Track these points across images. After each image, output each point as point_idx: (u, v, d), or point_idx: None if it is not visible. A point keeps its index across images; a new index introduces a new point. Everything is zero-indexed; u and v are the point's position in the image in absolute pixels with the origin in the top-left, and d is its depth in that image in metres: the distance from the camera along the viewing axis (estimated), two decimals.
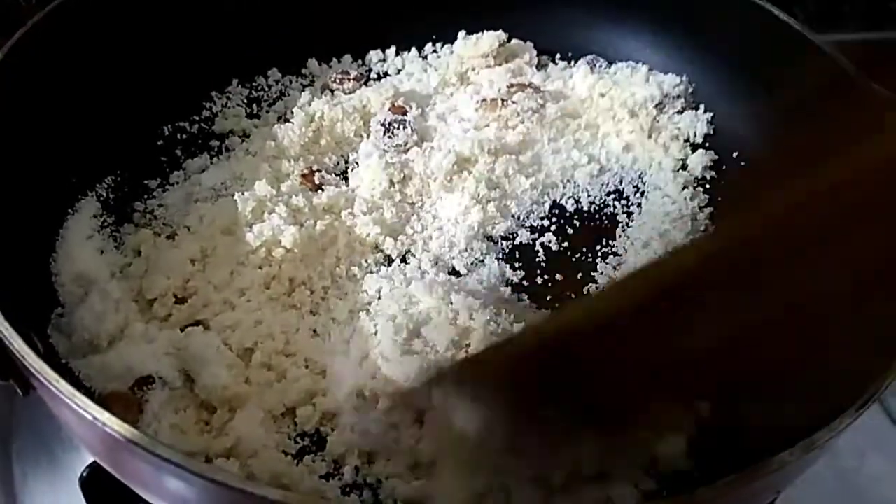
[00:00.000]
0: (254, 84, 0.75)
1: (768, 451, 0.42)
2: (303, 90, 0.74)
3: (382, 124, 0.69)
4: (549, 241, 0.64)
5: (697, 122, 0.73)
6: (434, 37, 0.80)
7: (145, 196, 0.65)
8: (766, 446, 0.49)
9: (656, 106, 0.73)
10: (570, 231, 0.65)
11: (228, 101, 0.74)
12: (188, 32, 0.72)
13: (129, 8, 0.68)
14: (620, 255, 0.63)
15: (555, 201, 0.67)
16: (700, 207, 0.67)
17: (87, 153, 0.64)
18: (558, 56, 0.80)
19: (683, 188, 0.68)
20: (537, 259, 0.63)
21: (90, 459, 0.56)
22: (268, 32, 0.76)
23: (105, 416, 0.38)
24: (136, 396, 0.49)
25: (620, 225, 0.66)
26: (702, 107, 0.75)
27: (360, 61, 0.79)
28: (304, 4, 0.77)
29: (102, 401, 0.40)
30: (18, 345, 0.41)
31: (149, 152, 0.68)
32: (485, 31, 0.77)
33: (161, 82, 0.70)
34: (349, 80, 0.75)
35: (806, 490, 0.60)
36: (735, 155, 0.71)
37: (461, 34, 0.78)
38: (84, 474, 0.51)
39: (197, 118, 0.72)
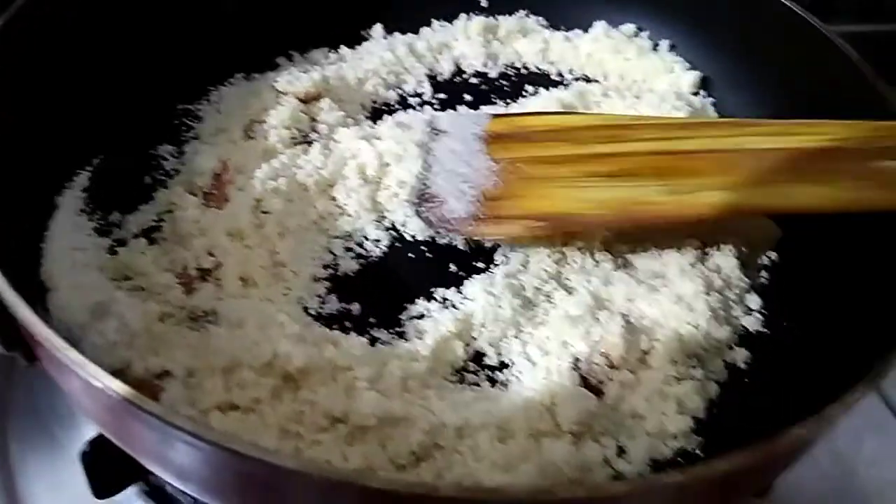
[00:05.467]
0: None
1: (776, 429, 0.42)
2: None
3: None
4: None
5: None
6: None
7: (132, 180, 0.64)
8: (772, 427, 0.49)
9: None
10: None
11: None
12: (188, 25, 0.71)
13: None
14: None
15: None
16: None
17: (82, 131, 0.63)
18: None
19: None
20: None
21: (89, 436, 0.56)
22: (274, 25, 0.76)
23: (115, 384, 0.38)
24: (152, 383, 0.48)
25: None
26: (701, 92, 0.76)
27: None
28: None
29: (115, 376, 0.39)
30: (25, 313, 0.40)
31: (138, 136, 0.67)
32: None
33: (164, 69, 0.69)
34: None
35: (804, 472, 0.61)
36: None
37: None
38: (84, 449, 0.50)
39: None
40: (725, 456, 0.38)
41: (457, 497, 0.35)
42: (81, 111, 0.64)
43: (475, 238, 0.61)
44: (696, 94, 0.76)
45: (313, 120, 0.70)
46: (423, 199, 0.62)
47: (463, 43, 0.80)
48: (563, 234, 0.61)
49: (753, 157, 0.56)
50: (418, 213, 0.62)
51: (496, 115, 0.67)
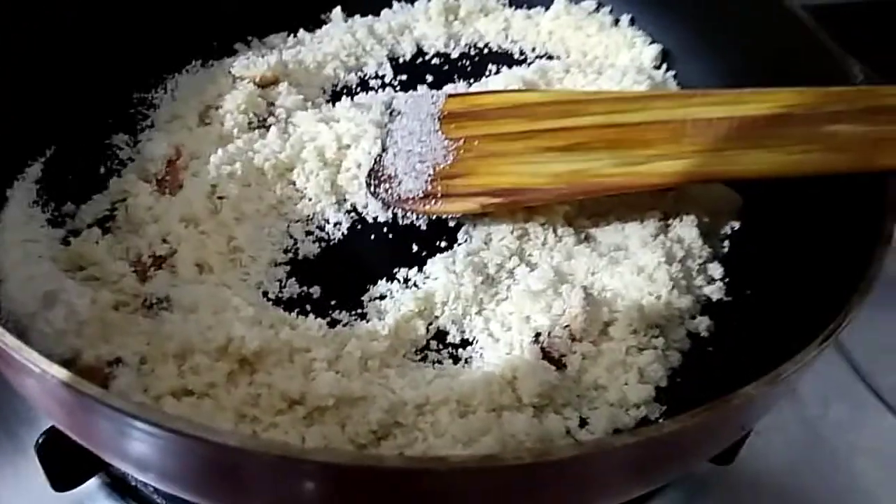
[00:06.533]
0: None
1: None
2: None
3: None
4: None
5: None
6: None
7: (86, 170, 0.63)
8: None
9: None
10: None
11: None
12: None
13: None
14: None
15: None
16: None
17: (34, 122, 0.62)
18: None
19: None
20: None
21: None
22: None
23: (55, 370, 0.37)
24: (102, 371, 0.48)
25: None
26: (664, 66, 0.76)
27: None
28: None
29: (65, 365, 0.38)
30: None
31: (92, 126, 0.66)
32: None
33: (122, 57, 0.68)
34: None
35: (772, 437, 0.61)
36: None
37: None
38: (40, 441, 0.49)
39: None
40: (676, 418, 0.37)
41: (403, 468, 0.34)
42: (34, 101, 0.63)
43: (431, 215, 0.61)
44: (657, 67, 0.75)
45: (270, 104, 0.69)
46: (378, 179, 0.61)
47: (424, 24, 0.79)
48: (524, 209, 0.61)
49: (703, 126, 0.56)
50: (374, 194, 0.61)
51: (451, 95, 0.66)
